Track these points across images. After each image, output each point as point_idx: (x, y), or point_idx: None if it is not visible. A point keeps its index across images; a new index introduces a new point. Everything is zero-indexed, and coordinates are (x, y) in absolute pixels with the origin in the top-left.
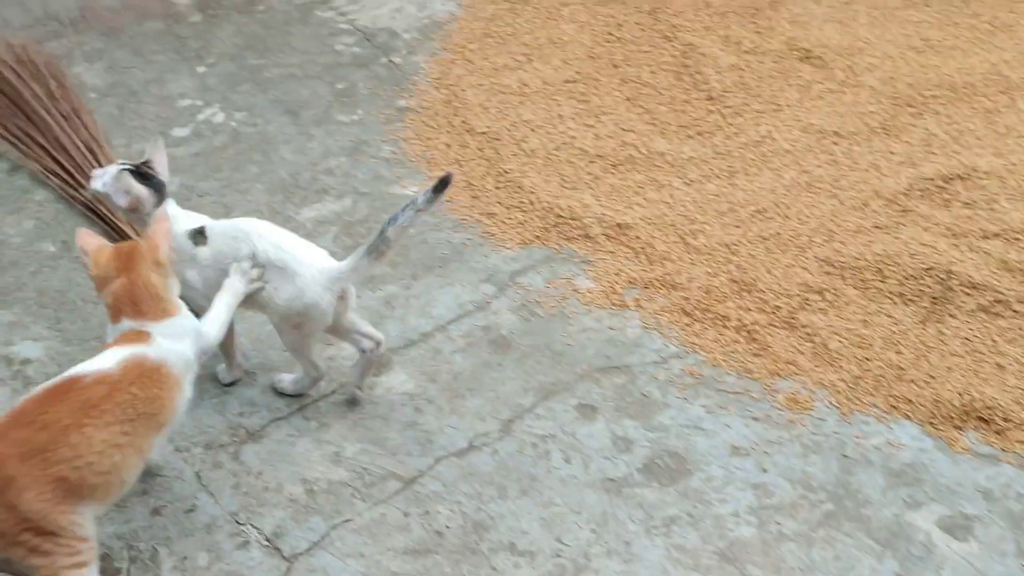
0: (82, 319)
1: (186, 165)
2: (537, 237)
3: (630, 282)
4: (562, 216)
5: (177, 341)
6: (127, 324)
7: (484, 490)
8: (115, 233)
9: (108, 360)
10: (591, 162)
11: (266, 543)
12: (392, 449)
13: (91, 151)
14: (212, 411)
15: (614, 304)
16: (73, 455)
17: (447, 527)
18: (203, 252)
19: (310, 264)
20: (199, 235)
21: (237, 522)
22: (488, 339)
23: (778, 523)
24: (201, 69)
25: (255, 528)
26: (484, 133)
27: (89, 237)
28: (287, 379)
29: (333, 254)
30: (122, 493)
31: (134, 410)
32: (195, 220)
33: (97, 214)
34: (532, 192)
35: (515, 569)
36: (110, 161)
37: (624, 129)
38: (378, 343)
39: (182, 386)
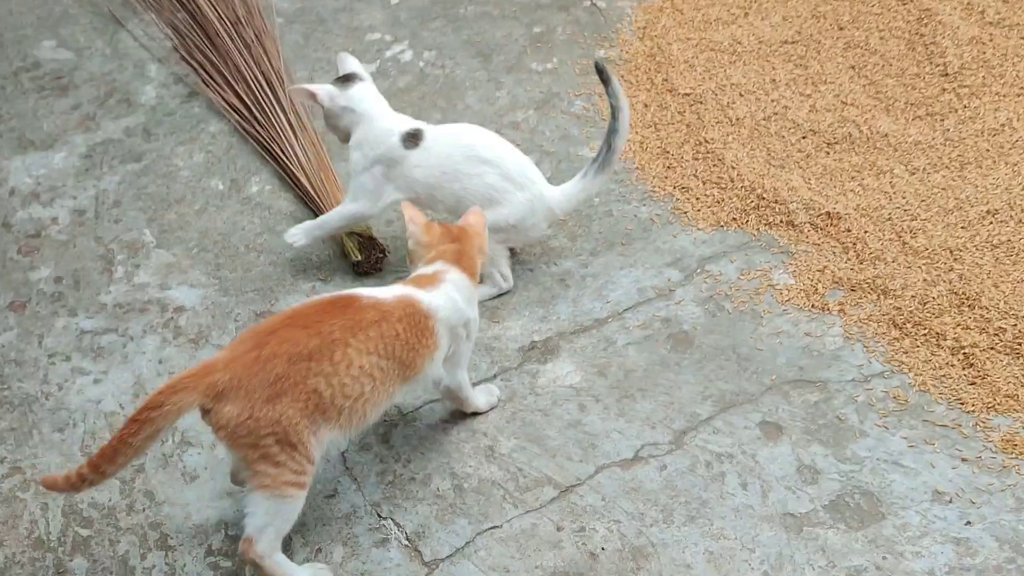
0: (243, 268)
1: None
2: (734, 219)
3: (835, 282)
4: (764, 198)
5: (457, 303)
6: (439, 265)
7: (647, 511)
8: (285, 175)
9: (387, 292)
10: (803, 138)
11: (406, 543)
12: (551, 450)
13: (270, 84)
14: None
15: (814, 306)
16: (332, 371)
17: (602, 549)
18: (415, 155)
19: (542, 185)
20: (411, 138)
21: (379, 515)
22: (668, 333)
23: None
24: (394, 0)
25: (396, 524)
26: (687, 95)
27: (413, 209)
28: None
29: None
30: (352, 433)
31: (393, 348)
32: (407, 122)
33: (271, 153)
34: (733, 167)
35: None
36: (288, 98)
37: (844, 102)
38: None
39: (435, 347)
